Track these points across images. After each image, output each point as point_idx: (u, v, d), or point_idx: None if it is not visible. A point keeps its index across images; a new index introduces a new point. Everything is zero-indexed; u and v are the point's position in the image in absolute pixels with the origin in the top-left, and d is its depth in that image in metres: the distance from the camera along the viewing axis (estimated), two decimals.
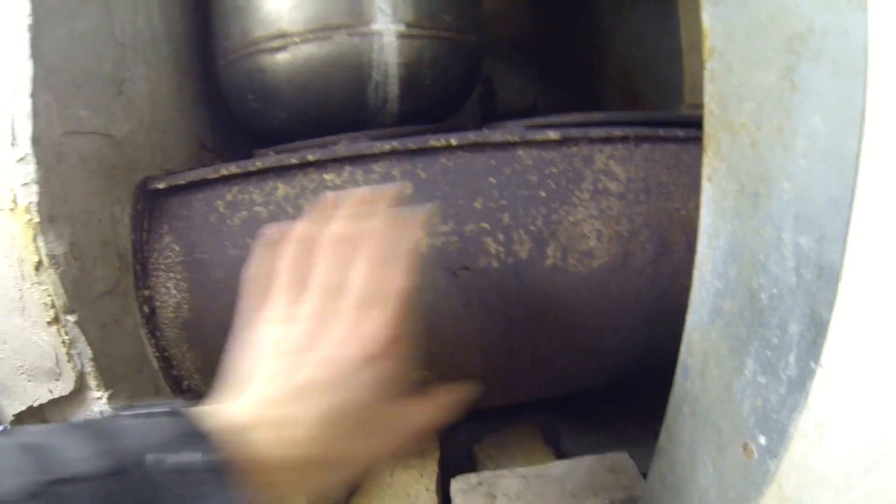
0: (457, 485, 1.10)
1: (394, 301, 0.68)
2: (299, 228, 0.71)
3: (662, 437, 0.90)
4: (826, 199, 0.59)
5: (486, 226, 0.94)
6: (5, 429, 0.98)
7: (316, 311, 0.66)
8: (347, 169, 0.96)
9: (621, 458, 1.16)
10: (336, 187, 0.96)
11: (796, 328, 0.63)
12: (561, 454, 1.29)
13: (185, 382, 1.10)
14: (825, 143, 0.59)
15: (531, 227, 0.94)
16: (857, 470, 0.58)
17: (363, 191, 0.75)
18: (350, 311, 0.65)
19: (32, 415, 1.03)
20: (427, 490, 1.14)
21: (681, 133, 0.99)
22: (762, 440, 0.69)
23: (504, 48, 2.02)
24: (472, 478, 1.10)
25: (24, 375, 0.99)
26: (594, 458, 1.15)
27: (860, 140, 0.56)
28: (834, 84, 0.58)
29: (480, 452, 1.30)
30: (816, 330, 0.61)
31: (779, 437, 0.67)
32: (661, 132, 0.98)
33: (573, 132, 0.95)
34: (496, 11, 1.98)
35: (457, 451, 1.35)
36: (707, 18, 0.74)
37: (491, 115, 2.02)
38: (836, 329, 0.59)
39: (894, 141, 0.53)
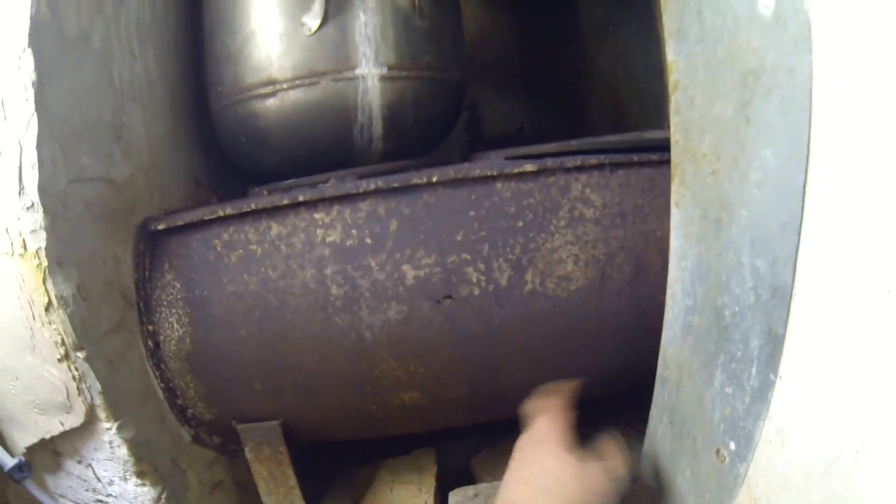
0: (454, 498, 1.14)
1: None
2: None
3: (646, 445, 0.96)
4: (777, 225, 0.65)
5: (467, 256, 0.99)
6: (20, 462, 1.00)
7: None
8: (336, 208, 1.01)
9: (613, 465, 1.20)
10: (326, 225, 1.01)
11: (756, 343, 0.69)
12: None
13: (190, 411, 1.14)
14: (776, 174, 0.65)
15: (510, 256, 0.99)
16: (815, 473, 0.63)
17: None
18: None
19: (44, 447, 1.06)
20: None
21: (654, 157, 1.03)
22: (732, 446, 0.74)
23: (490, 74, 2.07)
24: (469, 490, 1.14)
25: (36, 410, 1.03)
26: None
27: (806, 171, 0.62)
28: (783, 119, 0.63)
29: (477, 466, 1.34)
30: (773, 344, 0.66)
31: (746, 443, 0.72)
32: (636, 157, 1.02)
33: (549, 163, 1.00)
34: (481, 39, 2.01)
35: (455, 466, 1.40)
36: (670, 53, 0.79)
37: (477, 140, 2.07)
38: (791, 343, 0.65)
39: (836, 172, 0.59)
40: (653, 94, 1.65)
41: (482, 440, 1.41)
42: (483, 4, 2.04)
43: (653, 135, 1.07)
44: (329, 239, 1.01)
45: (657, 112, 1.62)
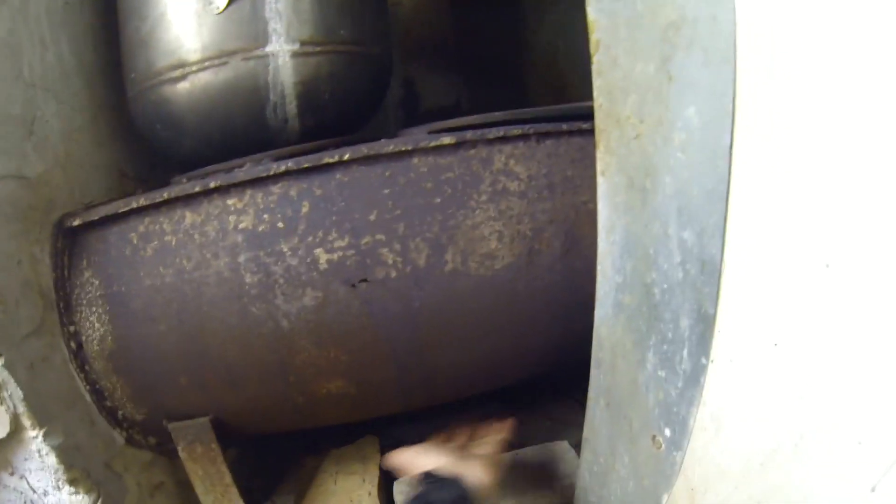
0: (399, 487, 1.05)
1: None
2: None
3: (586, 429, 0.86)
4: (703, 192, 0.55)
5: (382, 237, 0.89)
6: None
7: None
8: (248, 192, 0.91)
9: (560, 447, 1.12)
10: (238, 211, 0.92)
11: (686, 323, 0.59)
12: (507, 445, 1.25)
13: (120, 412, 1.04)
14: (700, 135, 0.55)
15: (427, 235, 0.89)
16: (753, 464, 0.54)
17: None
18: None
19: None
20: (370, 494, 1.10)
21: (585, 125, 0.93)
22: (667, 432, 0.65)
23: (425, 50, 1.95)
24: (415, 479, 1.05)
25: None
26: (535, 449, 1.11)
27: (732, 131, 0.52)
28: (706, 73, 0.54)
29: None
30: (704, 325, 0.56)
31: (681, 429, 0.63)
32: (565, 126, 0.93)
33: (469, 135, 0.89)
34: (416, 14, 1.91)
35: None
36: (592, 11, 0.69)
37: (413, 117, 1.97)
38: (723, 324, 0.55)
39: (766, 131, 0.49)
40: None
41: (429, 425, 1.32)
42: None
43: (587, 104, 0.97)
44: (241, 225, 0.91)
45: None
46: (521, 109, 0.96)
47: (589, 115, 0.88)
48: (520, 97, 1.96)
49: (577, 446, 1.05)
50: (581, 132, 0.94)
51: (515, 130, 0.89)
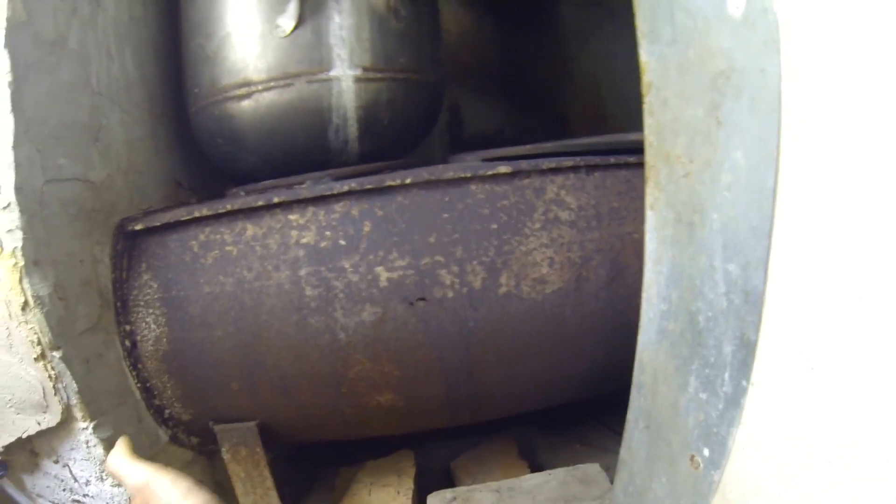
0: (433, 501, 1.11)
1: None
2: None
3: (623, 451, 0.93)
4: (748, 228, 0.62)
5: (441, 259, 0.97)
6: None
7: None
8: (311, 209, 0.99)
9: (592, 469, 1.17)
10: (300, 227, 0.99)
11: (729, 349, 0.66)
12: (537, 467, 1.31)
13: (167, 411, 1.11)
14: (746, 177, 0.62)
15: (484, 258, 0.97)
16: (787, 482, 0.61)
17: None
18: None
19: (21, 446, 1.04)
20: None
21: (631, 159, 1.01)
22: (706, 452, 0.72)
23: (471, 76, 2.02)
24: (447, 493, 1.12)
25: (13, 409, 1.01)
26: (566, 471, 1.17)
27: (776, 174, 0.59)
28: (753, 120, 0.61)
29: (458, 469, 1.32)
30: (746, 350, 0.64)
31: (720, 449, 0.69)
32: (612, 159, 1.00)
33: (524, 165, 0.97)
34: (462, 41, 1.99)
35: (434, 469, 1.38)
36: (643, 54, 0.77)
37: (458, 142, 2.05)
38: (763, 350, 0.62)
39: (806, 175, 0.56)
40: (635, 96, 1.62)
41: (463, 443, 1.39)
42: (464, 6, 2.01)
43: (630, 137, 1.05)
44: (304, 240, 0.99)
45: (639, 114, 1.59)
46: (570, 141, 1.03)
47: (634, 149, 0.96)
48: (561, 126, 2.02)
49: (607, 470, 1.12)
50: (627, 165, 1.01)
51: (567, 162, 0.97)
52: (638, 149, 0.95)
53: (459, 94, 2.01)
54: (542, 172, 0.97)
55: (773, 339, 0.61)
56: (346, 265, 0.97)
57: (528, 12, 2.04)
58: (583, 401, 1.22)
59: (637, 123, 1.57)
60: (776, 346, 0.61)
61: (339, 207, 0.99)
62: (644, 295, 0.82)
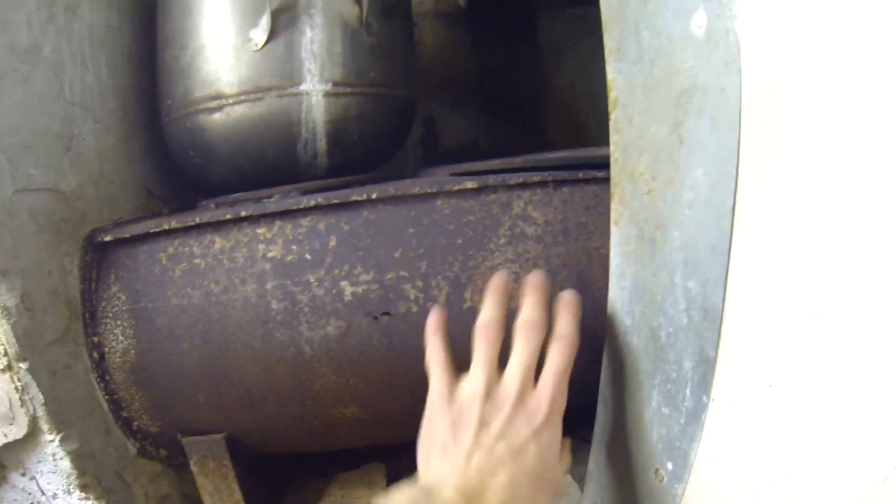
0: None
1: (553, 379, 0.75)
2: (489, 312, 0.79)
3: (591, 463, 0.93)
4: (708, 246, 0.63)
5: (405, 273, 0.97)
6: None
7: (483, 391, 0.73)
8: (278, 223, 0.99)
9: (564, 481, 1.17)
10: (268, 241, 0.99)
11: (689, 364, 0.67)
12: None
13: (135, 423, 1.10)
14: (707, 195, 0.63)
15: (448, 273, 0.97)
16: (749, 496, 0.61)
17: (538, 278, 0.81)
18: (516, 391, 0.73)
19: None
20: None
21: (600, 174, 1.00)
22: (669, 466, 0.72)
23: (446, 89, 2.03)
24: None
25: None
26: None
27: (735, 192, 0.60)
28: (713, 138, 0.61)
29: None
30: (706, 367, 0.64)
31: (682, 463, 0.70)
32: (581, 174, 1.00)
33: (491, 180, 0.97)
34: (438, 53, 1.99)
35: (405, 480, 1.35)
36: (610, 72, 0.77)
37: (432, 155, 2.05)
38: (722, 366, 0.62)
39: (764, 193, 0.57)
40: None
41: None
42: (440, 19, 2.01)
43: (600, 151, 1.05)
44: (270, 254, 0.99)
45: None
46: (539, 155, 1.03)
47: (604, 164, 0.96)
48: (538, 137, 2.03)
49: (579, 481, 1.11)
50: (596, 180, 1.01)
51: (535, 177, 0.97)
52: (607, 164, 0.95)
53: (435, 106, 2.01)
54: (510, 188, 0.97)
55: (732, 356, 0.61)
56: (312, 279, 0.97)
57: (506, 26, 2.04)
58: None
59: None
60: (735, 362, 0.61)
61: (305, 222, 0.99)
62: (608, 310, 0.83)
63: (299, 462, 1.41)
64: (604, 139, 1.52)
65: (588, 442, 1.08)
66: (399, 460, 1.35)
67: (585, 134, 1.86)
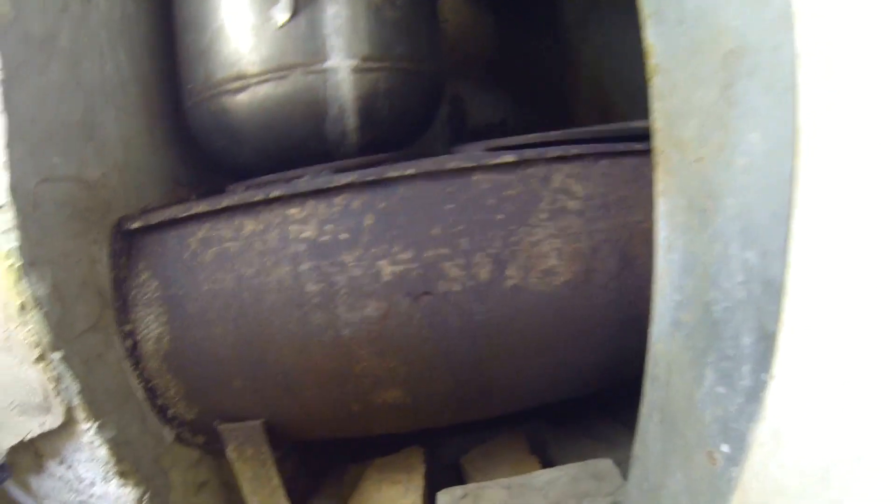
0: (443, 498, 1.09)
1: None
2: None
3: (637, 446, 0.90)
4: (767, 214, 0.59)
5: (445, 251, 0.94)
6: (2, 463, 0.99)
7: None
8: (310, 203, 0.97)
9: (605, 465, 1.15)
10: (300, 221, 0.97)
11: (748, 340, 0.63)
12: (547, 462, 1.28)
13: (171, 411, 1.10)
14: (763, 159, 0.59)
15: (490, 250, 0.94)
16: (812, 479, 0.58)
17: None
18: None
19: (25, 448, 1.03)
20: None
21: (639, 146, 0.98)
22: (725, 448, 0.68)
23: (472, 67, 2.01)
24: (458, 490, 1.09)
25: (15, 411, 1.00)
26: (578, 466, 1.14)
27: (795, 155, 0.56)
28: (767, 100, 0.58)
29: (468, 465, 1.30)
30: (766, 342, 0.60)
31: (739, 445, 0.66)
32: (620, 147, 0.97)
33: (529, 153, 0.94)
34: (462, 32, 1.97)
35: (443, 464, 1.36)
36: (649, 36, 0.74)
37: (461, 133, 2.03)
38: (785, 341, 0.59)
39: (829, 156, 0.53)
40: (640, 85, 1.60)
41: (471, 438, 1.37)
42: None
43: (637, 124, 1.01)
44: (303, 235, 0.97)
45: (643, 103, 1.57)
46: (576, 129, 1.00)
47: (641, 136, 0.93)
48: (564, 116, 2.00)
49: (619, 465, 1.09)
50: (634, 153, 0.98)
51: (574, 150, 0.94)
52: (645, 136, 0.92)
53: (461, 85, 1.99)
54: (548, 161, 0.95)
55: (796, 330, 0.58)
56: (348, 259, 0.95)
57: (528, 2, 2.01)
58: (592, 394, 1.19)
59: (641, 112, 1.55)
60: (799, 337, 0.57)
61: (339, 200, 0.97)
62: (656, 285, 0.79)
63: (336, 447, 1.40)
64: (631, 114, 1.48)
65: (624, 425, 1.05)
66: (436, 443, 1.34)
67: (613, 111, 1.83)
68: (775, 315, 0.59)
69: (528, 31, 2.04)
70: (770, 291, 0.59)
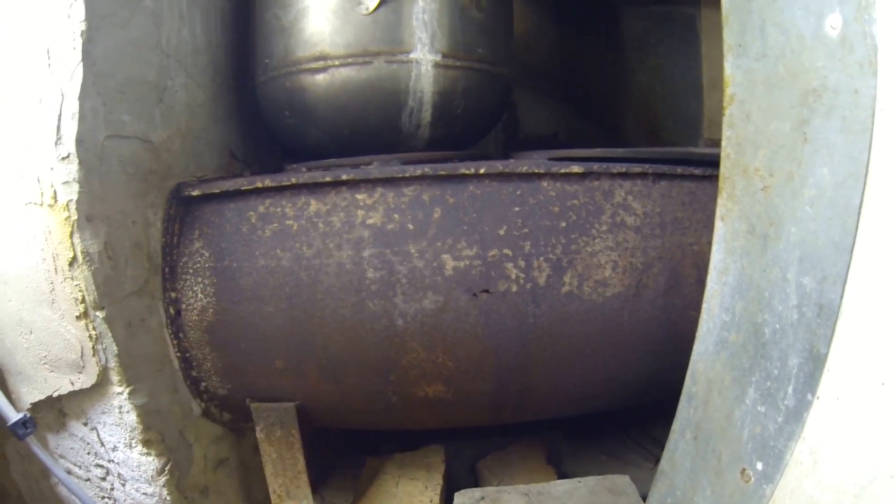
0: (460, 499, 1.15)
1: None
2: None
3: (664, 461, 0.96)
4: (829, 243, 0.66)
5: (509, 252, 1.01)
6: (25, 417, 1.00)
7: None
8: (379, 190, 1.03)
9: (622, 480, 1.20)
10: (367, 207, 1.03)
11: (795, 361, 0.70)
12: (563, 473, 1.35)
13: (204, 384, 1.15)
14: (831, 192, 0.66)
15: (550, 255, 1.01)
16: (847, 496, 0.64)
17: None
18: None
19: (50, 405, 1.08)
20: (431, 502, 1.20)
21: (697, 171, 1.05)
22: (759, 466, 0.75)
23: (531, 77, 2.09)
24: (476, 492, 1.15)
25: (47, 366, 1.04)
26: (596, 479, 1.20)
27: (863, 192, 0.63)
28: (842, 139, 0.65)
29: (484, 468, 1.35)
30: (814, 364, 0.68)
31: (775, 463, 0.73)
32: (679, 170, 1.04)
33: (595, 167, 1.02)
34: (525, 41, 2.03)
35: (461, 466, 1.41)
36: (729, 67, 0.81)
37: (512, 141, 2.09)
38: (833, 363, 0.66)
39: (894, 194, 0.60)
40: (689, 111, 1.67)
41: (488, 443, 1.43)
42: (530, 5, 2.05)
43: (698, 150, 1.08)
44: (370, 221, 1.03)
45: (693, 130, 1.64)
46: (640, 149, 1.08)
47: (699, 162, 1.00)
48: (614, 134, 2.07)
49: (637, 483, 1.15)
50: (692, 177, 1.05)
51: (636, 168, 1.02)
52: (703, 162, 0.98)
53: (518, 93, 2.04)
54: (612, 176, 1.02)
55: (845, 354, 0.65)
56: (413, 250, 1.01)
57: (591, 19, 2.08)
58: (628, 406, 1.25)
59: (687, 137, 1.61)
60: (847, 360, 0.64)
61: (409, 191, 1.03)
62: (705, 305, 0.86)
63: (349, 438, 1.46)
64: (678, 140, 1.55)
65: (639, 444, 1.11)
66: (457, 445, 1.39)
67: (661, 135, 1.88)
68: (827, 338, 0.66)
69: (589, 46, 2.10)
70: (824, 315, 0.67)
